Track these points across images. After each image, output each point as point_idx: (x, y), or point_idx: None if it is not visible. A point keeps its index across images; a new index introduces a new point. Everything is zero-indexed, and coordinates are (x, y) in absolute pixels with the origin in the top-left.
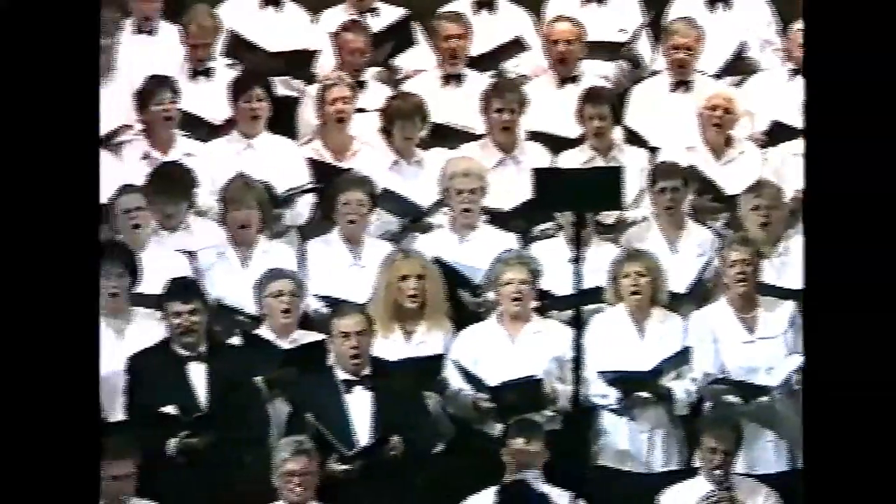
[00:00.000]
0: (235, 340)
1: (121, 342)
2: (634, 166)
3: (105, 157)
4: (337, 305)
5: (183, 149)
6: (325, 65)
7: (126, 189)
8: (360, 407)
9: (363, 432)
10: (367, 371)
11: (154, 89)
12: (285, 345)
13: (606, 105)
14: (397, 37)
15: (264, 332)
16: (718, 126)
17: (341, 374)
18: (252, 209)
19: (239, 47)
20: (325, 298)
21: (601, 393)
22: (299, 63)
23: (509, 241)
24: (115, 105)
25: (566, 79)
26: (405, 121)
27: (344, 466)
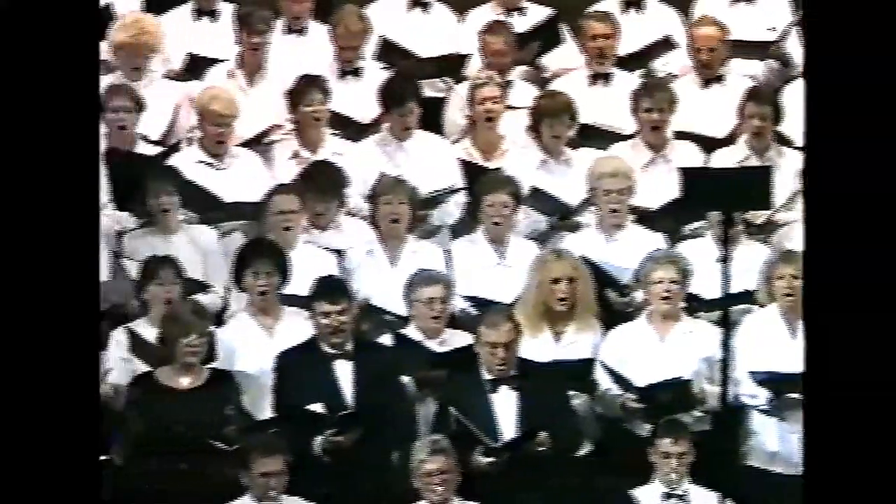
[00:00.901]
0: (385, 339)
1: (269, 340)
2: (789, 168)
3: (254, 156)
4: (483, 306)
5: (332, 148)
6: (473, 64)
7: (280, 189)
8: (505, 406)
9: (508, 430)
10: (513, 372)
11: (305, 89)
12: (434, 346)
13: (768, 105)
14: (544, 36)
15: (412, 332)
16: None
17: (487, 375)
18: (402, 206)
19: (390, 52)
20: (471, 299)
21: (751, 393)
22: (451, 67)
23: (657, 240)
24: (266, 104)
25: (710, 79)
26: (553, 119)
27: (490, 459)
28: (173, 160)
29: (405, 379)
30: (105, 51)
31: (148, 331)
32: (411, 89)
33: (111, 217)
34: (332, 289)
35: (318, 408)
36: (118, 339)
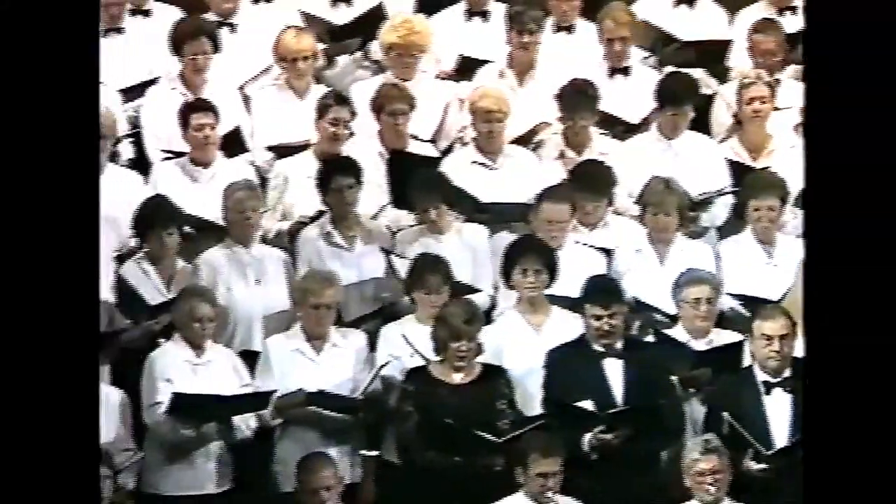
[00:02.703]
0: (649, 338)
1: (537, 338)
2: None
3: (528, 154)
4: (753, 305)
5: (599, 147)
6: (741, 62)
7: (550, 195)
8: (778, 409)
9: (781, 434)
10: (787, 373)
11: (575, 97)
12: (700, 346)
13: None
14: None
15: (679, 331)
16: None
17: (761, 375)
18: (671, 210)
19: (654, 38)
20: (740, 297)
21: None
22: (713, 55)
23: None
24: (536, 104)
25: None
26: None
27: (761, 466)
28: (448, 161)
29: (674, 378)
30: (376, 51)
31: (417, 328)
32: (691, 90)
33: (388, 216)
34: (604, 291)
35: (587, 405)
36: (387, 336)
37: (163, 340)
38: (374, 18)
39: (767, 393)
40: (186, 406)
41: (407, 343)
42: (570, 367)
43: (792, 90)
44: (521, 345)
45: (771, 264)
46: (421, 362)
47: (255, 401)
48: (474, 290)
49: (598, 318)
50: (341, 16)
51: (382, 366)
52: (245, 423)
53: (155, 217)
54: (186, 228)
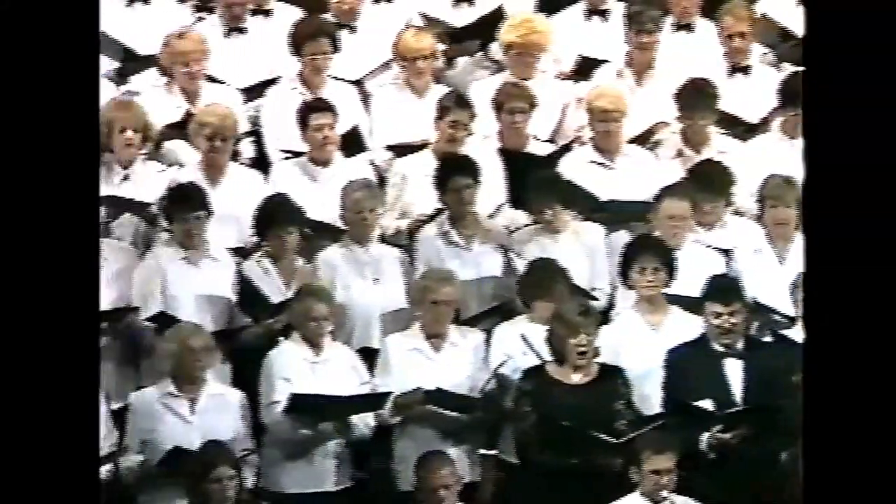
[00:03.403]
0: (767, 339)
1: (656, 337)
2: None
3: (646, 154)
4: None
5: (717, 146)
6: None
7: (670, 192)
8: None
9: None
10: None
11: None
12: None
13: None
14: None
15: (798, 332)
16: None
17: None
18: (791, 202)
19: (774, 35)
20: None
21: None
22: None
23: None
24: (654, 104)
25: None
26: None
27: None
28: (565, 161)
29: (795, 379)
30: (496, 51)
31: (532, 328)
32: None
33: (505, 215)
34: (725, 289)
35: (706, 404)
36: (501, 335)
37: (281, 339)
38: (494, 20)
39: None
40: (304, 406)
41: (524, 342)
42: (689, 366)
43: None
44: (639, 344)
45: None
46: (536, 362)
47: (371, 400)
48: (592, 297)
49: (719, 315)
50: (462, 16)
51: (500, 365)
52: (363, 422)
53: (275, 216)
54: (305, 229)
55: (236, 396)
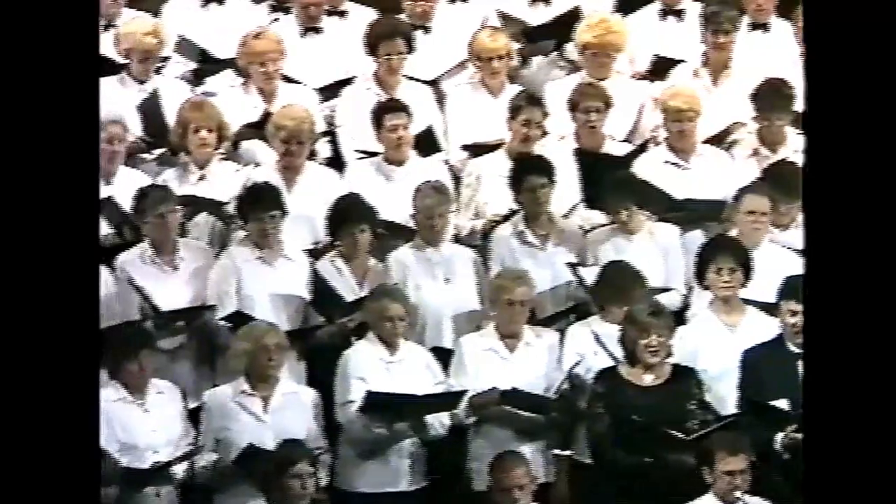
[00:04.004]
0: None
1: (732, 338)
2: None
3: (721, 154)
4: None
5: (794, 146)
6: None
7: (750, 189)
8: None
9: None
10: None
11: (769, 93)
12: None
13: None
14: None
15: None
16: None
17: None
18: None
19: None
20: None
21: None
22: None
23: None
24: (731, 104)
25: None
26: None
27: None
28: (640, 161)
29: None
30: (571, 51)
31: (605, 328)
32: None
33: (580, 215)
34: (797, 289)
35: (782, 404)
36: (574, 335)
37: (354, 338)
38: (570, 20)
39: None
40: (379, 405)
41: (597, 342)
42: (765, 366)
43: None
44: (715, 345)
45: None
46: (609, 362)
47: (446, 400)
48: (667, 290)
49: (794, 313)
50: (539, 15)
51: (574, 365)
52: (438, 422)
53: (347, 214)
54: (378, 229)
55: (309, 395)
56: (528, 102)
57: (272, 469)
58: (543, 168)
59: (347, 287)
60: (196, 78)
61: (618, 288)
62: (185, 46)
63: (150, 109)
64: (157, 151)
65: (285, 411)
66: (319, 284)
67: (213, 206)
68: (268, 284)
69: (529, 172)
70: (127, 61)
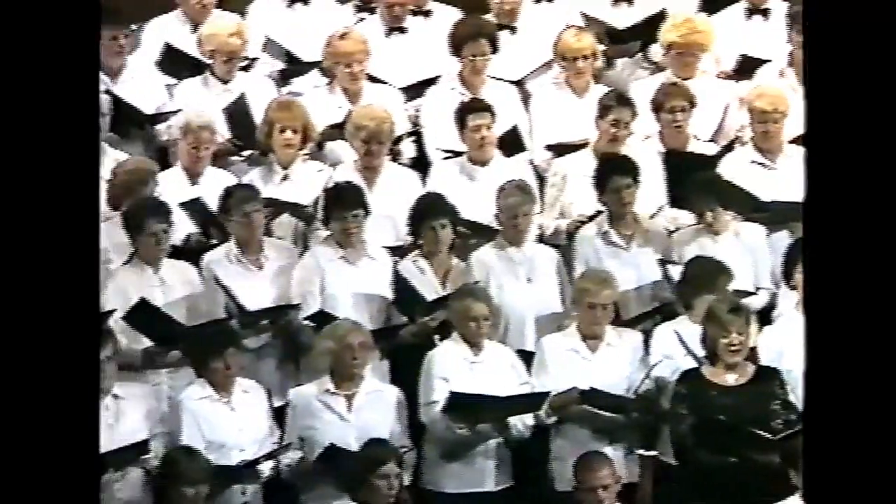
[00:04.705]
0: None
1: None
2: None
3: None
4: None
5: None
6: None
7: None
8: None
9: None
10: None
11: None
12: None
13: None
14: None
15: None
16: None
17: None
18: None
19: None
20: None
21: None
22: None
23: None
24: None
25: None
26: None
27: None
28: (726, 161)
29: None
30: (656, 52)
31: (691, 328)
32: None
33: (666, 215)
34: None
35: None
36: (660, 336)
37: (437, 337)
38: (656, 21)
39: None
40: (462, 405)
41: (680, 342)
42: None
43: None
44: (801, 345)
45: None
46: (693, 364)
47: (530, 401)
48: (751, 293)
49: None
50: (622, 15)
51: (654, 366)
52: (521, 422)
53: (428, 210)
54: (460, 228)
55: (393, 394)
56: (618, 102)
57: (359, 468)
58: (628, 168)
59: (429, 286)
60: (283, 79)
61: (703, 279)
62: (272, 47)
63: (238, 112)
64: (247, 153)
65: (369, 410)
66: (401, 284)
67: (294, 208)
68: (351, 284)
69: (614, 172)
70: (210, 61)
